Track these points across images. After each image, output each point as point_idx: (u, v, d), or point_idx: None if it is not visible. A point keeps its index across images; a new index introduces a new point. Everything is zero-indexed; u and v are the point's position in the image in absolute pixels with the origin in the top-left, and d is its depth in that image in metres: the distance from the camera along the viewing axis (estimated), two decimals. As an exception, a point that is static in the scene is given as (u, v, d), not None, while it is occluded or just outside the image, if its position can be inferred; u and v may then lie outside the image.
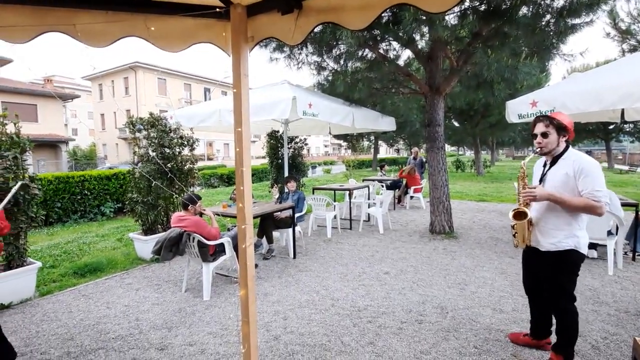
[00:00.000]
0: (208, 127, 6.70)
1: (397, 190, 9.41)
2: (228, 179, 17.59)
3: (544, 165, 2.39)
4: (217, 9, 1.90)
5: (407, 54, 6.83)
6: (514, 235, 2.41)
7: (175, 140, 5.38)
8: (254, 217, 4.18)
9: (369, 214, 7.28)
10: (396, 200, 9.33)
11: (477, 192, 12.09)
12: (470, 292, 3.70)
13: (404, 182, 9.37)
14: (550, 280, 2.31)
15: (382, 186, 9.18)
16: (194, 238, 3.61)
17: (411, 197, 9.26)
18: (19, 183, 2.59)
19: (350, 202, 7.22)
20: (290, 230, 5.07)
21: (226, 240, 3.86)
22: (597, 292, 3.62)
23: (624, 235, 4.28)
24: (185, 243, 3.64)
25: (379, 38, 5.60)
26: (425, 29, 5.48)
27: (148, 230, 5.23)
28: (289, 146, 8.23)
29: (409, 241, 5.81)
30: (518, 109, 4.55)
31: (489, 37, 5.03)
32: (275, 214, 5.09)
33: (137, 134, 5.33)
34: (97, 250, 5.62)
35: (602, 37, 10.92)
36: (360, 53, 5.98)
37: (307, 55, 6.37)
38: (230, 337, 2.89)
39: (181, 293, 3.84)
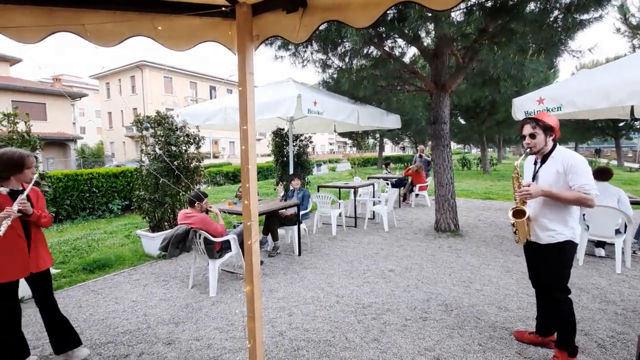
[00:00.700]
0: (214, 126, 6.75)
1: (402, 188, 9.39)
2: (233, 177, 17.69)
3: (535, 164, 2.52)
4: (223, 8, 1.92)
5: (412, 51, 6.79)
6: (514, 232, 2.51)
7: (182, 139, 5.43)
8: (260, 215, 4.22)
9: (374, 212, 7.28)
10: (401, 198, 9.31)
11: (483, 190, 12.01)
12: (475, 290, 3.70)
13: (410, 180, 9.35)
14: (549, 272, 2.41)
15: (387, 184, 9.17)
16: (200, 235, 3.66)
17: (416, 195, 9.23)
18: (37, 174, 2.65)
19: (355, 199, 7.23)
20: (296, 227, 5.10)
21: (232, 237, 3.90)
22: (604, 290, 3.59)
23: (632, 234, 4.24)
24: (191, 240, 3.69)
25: (384, 35, 5.58)
26: (431, 26, 5.45)
27: (155, 227, 5.30)
28: (294, 144, 8.25)
29: (414, 239, 5.80)
30: (525, 106, 4.50)
31: (495, 34, 4.98)
32: (280, 211, 5.12)
33: (144, 132, 5.39)
34: (106, 246, 5.70)
35: (612, 32, 10.73)
36: (365, 50, 5.97)
37: (312, 53, 6.37)
38: (236, 333, 2.93)
39: (188, 289, 3.89)
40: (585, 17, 4.77)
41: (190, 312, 3.33)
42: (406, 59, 6.49)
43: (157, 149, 5.31)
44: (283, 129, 8.39)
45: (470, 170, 22.30)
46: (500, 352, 2.56)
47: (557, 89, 4.29)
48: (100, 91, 37.41)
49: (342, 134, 24.12)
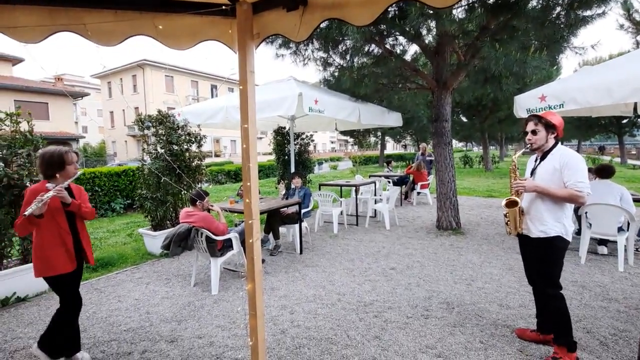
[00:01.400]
0: (215, 124, 6.75)
1: (403, 186, 9.38)
2: (235, 176, 17.72)
3: (536, 160, 2.57)
4: (223, 7, 1.92)
5: (413, 48, 6.78)
6: (506, 223, 2.59)
7: (183, 137, 5.45)
8: (261, 213, 4.23)
9: (375, 210, 7.28)
10: (403, 197, 9.30)
11: (485, 188, 11.99)
12: (477, 287, 3.70)
13: (411, 178, 9.34)
14: (539, 266, 2.46)
15: (389, 182, 9.16)
16: (202, 233, 3.67)
17: (418, 193, 9.22)
18: (80, 169, 2.70)
19: (356, 198, 7.23)
20: (297, 226, 5.11)
21: (234, 235, 3.92)
22: (606, 288, 3.58)
23: (635, 232, 4.22)
24: (193, 238, 3.70)
25: (385, 33, 5.57)
26: (432, 24, 5.43)
27: (157, 226, 5.32)
28: (295, 142, 8.25)
29: (416, 237, 5.80)
30: (527, 104, 4.49)
31: (497, 31, 4.96)
32: (281, 209, 5.13)
33: (146, 131, 5.41)
34: (108, 245, 5.73)
35: (615, 29, 10.66)
36: (366, 48, 5.95)
37: (313, 52, 6.36)
38: (238, 330, 2.94)
39: (190, 287, 3.91)
40: (588, 13, 4.74)
41: (193, 310, 3.34)
42: (407, 57, 6.48)
43: (158, 148, 5.32)
44: (284, 128, 8.39)
45: (472, 168, 22.25)
46: (502, 350, 2.57)
47: (559, 86, 4.27)
48: (101, 90, 37.50)
49: (344, 133, 24.10)
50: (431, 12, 4.67)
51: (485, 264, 4.40)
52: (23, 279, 3.71)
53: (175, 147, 5.34)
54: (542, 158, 2.48)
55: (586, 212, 4.24)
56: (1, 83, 20.66)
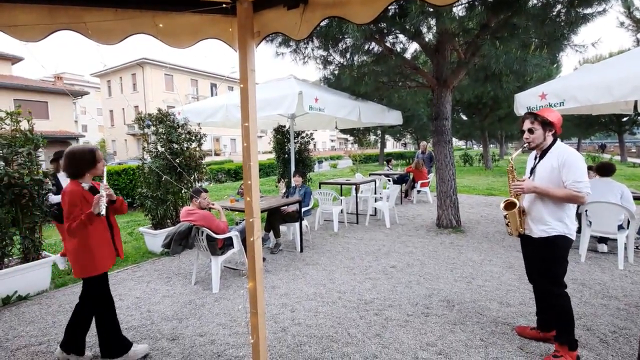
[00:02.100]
0: (215, 123, 6.75)
1: (404, 184, 9.38)
2: (235, 174, 17.72)
3: (535, 158, 2.54)
4: (224, 5, 1.92)
5: (414, 47, 6.76)
6: (507, 224, 2.56)
7: (183, 136, 5.45)
8: (262, 212, 4.23)
9: (375, 209, 7.29)
10: (403, 195, 9.31)
11: (485, 186, 12.00)
12: (477, 285, 3.71)
13: (411, 176, 9.34)
14: (541, 266, 2.43)
15: (389, 180, 9.16)
16: (202, 232, 3.68)
17: (418, 192, 9.23)
18: (106, 167, 2.72)
19: (356, 196, 7.23)
20: (297, 224, 5.11)
21: (234, 233, 3.92)
22: (606, 286, 3.59)
23: (635, 229, 4.22)
24: (194, 237, 3.70)
25: (385, 31, 5.56)
26: (433, 22, 5.42)
27: (158, 225, 5.32)
28: (296, 141, 8.24)
29: (416, 235, 5.81)
30: (527, 102, 4.49)
31: (497, 29, 4.95)
32: (282, 208, 5.13)
33: (146, 130, 5.40)
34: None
35: (615, 26, 10.64)
36: (366, 46, 5.94)
37: (313, 50, 6.35)
38: (239, 328, 2.95)
39: (191, 286, 3.92)
40: (588, 11, 4.73)
41: (194, 309, 3.35)
42: (407, 55, 6.47)
43: (158, 147, 5.32)
44: (284, 126, 8.39)
45: (472, 167, 22.26)
46: (502, 347, 2.57)
47: (559, 84, 4.27)
48: (101, 89, 37.45)
49: (344, 131, 24.09)
50: (431, 10, 4.66)
51: (486, 262, 4.41)
52: (24, 278, 3.72)
53: (176, 146, 5.34)
54: (541, 156, 2.45)
55: (586, 210, 4.24)
56: (1, 82, 20.63)
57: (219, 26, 2.16)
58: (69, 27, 1.89)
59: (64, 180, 4.24)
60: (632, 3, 10.31)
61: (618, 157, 25.26)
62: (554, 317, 2.43)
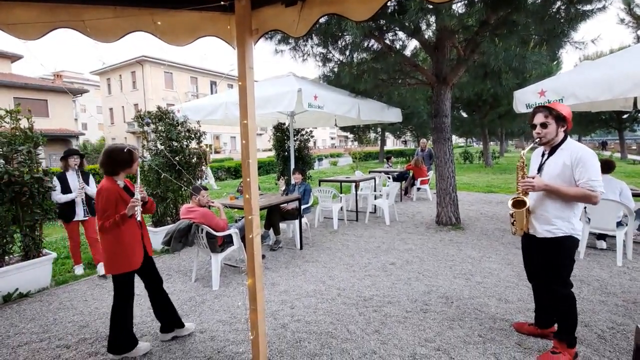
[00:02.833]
0: (215, 120, 6.75)
1: (403, 182, 9.39)
2: (235, 172, 17.72)
3: (542, 155, 2.43)
4: (222, 2, 1.92)
5: (413, 44, 6.74)
6: (512, 223, 2.48)
7: (183, 134, 5.45)
8: (261, 209, 4.24)
9: (375, 206, 7.30)
10: (403, 192, 9.32)
11: (485, 183, 12.00)
12: (476, 282, 3.72)
13: (411, 173, 9.35)
14: (546, 266, 2.37)
15: (389, 178, 9.17)
16: (202, 229, 3.69)
17: (418, 189, 9.24)
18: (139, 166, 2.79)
19: (356, 194, 7.24)
20: (297, 221, 5.12)
21: (234, 231, 3.93)
22: (605, 282, 3.61)
23: (633, 226, 4.23)
24: (194, 234, 3.72)
25: (384, 28, 5.55)
26: (432, 18, 5.41)
27: (158, 222, 5.34)
28: (295, 139, 8.24)
29: (415, 232, 5.82)
30: (526, 99, 4.49)
31: (497, 26, 4.94)
32: (282, 205, 5.14)
33: (146, 128, 5.41)
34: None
35: (615, 23, 10.61)
36: (365, 44, 5.93)
37: (312, 47, 6.34)
38: (238, 325, 2.97)
39: (191, 283, 3.94)
40: (588, 7, 4.72)
41: (194, 305, 3.37)
42: (407, 52, 6.45)
43: (158, 145, 5.33)
44: (284, 124, 8.39)
45: (472, 164, 22.26)
46: (500, 343, 2.59)
47: (558, 81, 4.27)
48: (101, 87, 37.40)
49: (344, 129, 24.07)
50: (430, 7, 4.65)
51: (485, 259, 4.42)
52: (25, 275, 3.74)
53: (175, 144, 5.35)
54: (551, 153, 2.33)
55: (585, 207, 4.25)
56: (0, 80, 20.59)
57: (218, 24, 2.16)
58: (67, 25, 1.89)
59: (73, 179, 4.23)
60: (633, 0, 10.28)
61: (618, 154, 25.24)
62: (558, 316, 2.38)
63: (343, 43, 6.12)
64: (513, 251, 4.67)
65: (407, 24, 4.87)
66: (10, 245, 3.81)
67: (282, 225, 5.37)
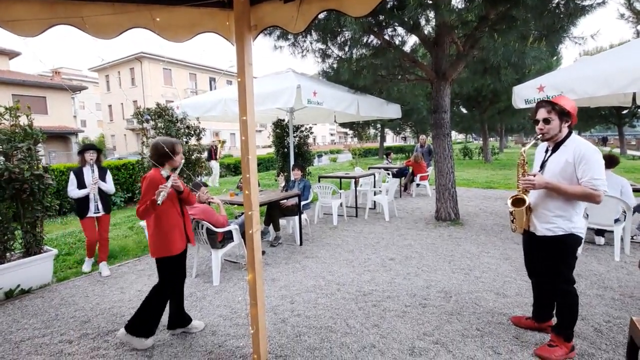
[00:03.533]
0: (214, 117, 6.75)
1: (403, 178, 9.41)
2: (235, 169, 17.72)
3: (546, 151, 2.38)
4: (221, -2, 1.92)
5: (412, 40, 6.74)
6: (512, 221, 2.46)
7: (182, 130, 5.46)
8: (261, 205, 4.26)
9: (374, 202, 7.32)
10: (402, 188, 9.34)
11: (485, 179, 12.02)
12: (475, 277, 3.75)
13: (410, 169, 9.36)
14: (548, 264, 2.36)
15: (388, 174, 9.19)
16: (202, 225, 3.71)
17: (417, 185, 9.26)
18: (183, 160, 2.86)
19: (356, 190, 7.26)
20: (297, 217, 5.14)
21: (234, 227, 3.95)
22: (602, 277, 3.63)
23: (631, 221, 4.24)
24: (194, 230, 3.74)
25: (384, 24, 5.54)
26: (431, 14, 5.40)
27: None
28: (295, 135, 8.25)
29: (415, 228, 5.85)
30: (525, 94, 4.49)
31: (496, 21, 4.93)
32: (281, 202, 5.16)
33: (145, 125, 5.41)
34: (110, 238, 5.75)
35: (615, 18, 10.57)
36: (365, 39, 5.92)
37: (311, 43, 6.33)
38: (239, 320, 3.00)
39: (192, 278, 3.96)
40: (587, 2, 4.71)
41: (195, 301, 3.40)
42: (406, 48, 6.45)
43: (158, 141, 5.33)
44: (283, 120, 8.39)
45: (472, 160, 22.26)
46: (498, 337, 2.62)
47: (557, 77, 4.27)
48: (100, 84, 37.25)
49: (343, 125, 24.00)
50: (430, 2, 4.64)
51: (483, 254, 4.45)
52: (26, 272, 3.76)
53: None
54: (554, 150, 2.27)
55: (584, 203, 4.26)
56: (-2, 77, 20.52)
57: (216, 20, 2.16)
58: (66, 22, 1.89)
59: (88, 174, 4.11)
60: (633, -6, 10.23)
61: (618, 150, 25.25)
62: (558, 311, 2.37)
63: (342, 39, 6.10)
64: (511, 246, 4.70)
65: (406, 20, 4.86)
66: (12, 242, 3.83)
67: (282, 222, 5.39)
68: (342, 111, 6.29)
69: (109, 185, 4.25)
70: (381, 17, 5.21)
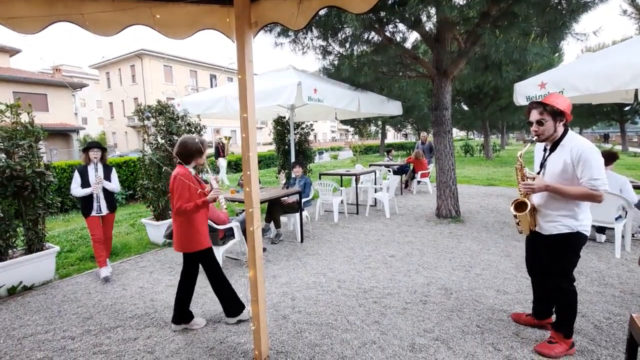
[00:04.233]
0: (215, 114, 6.75)
1: (404, 175, 9.40)
2: (236, 166, 17.73)
3: (544, 150, 2.37)
4: (221, -5, 1.92)
5: (414, 36, 6.70)
6: (517, 224, 2.45)
7: (183, 128, 5.45)
8: (262, 202, 4.27)
9: (375, 199, 7.32)
10: (403, 185, 9.33)
11: (486, 176, 12.00)
12: (475, 274, 3.76)
13: (411, 167, 9.35)
14: (552, 261, 2.35)
15: (389, 171, 9.18)
16: (203, 223, 3.71)
17: (418, 182, 9.25)
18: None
19: (357, 187, 7.26)
20: (298, 215, 5.15)
21: (235, 224, 3.96)
22: (602, 274, 3.64)
23: (633, 219, 4.23)
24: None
25: (385, 20, 5.51)
26: (432, 10, 5.36)
27: (159, 216, 5.37)
28: (296, 132, 8.24)
29: (415, 225, 5.85)
30: (526, 91, 4.48)
31: (498, 17, 4.90)
32: (282, 199, 5.16)
33: (146, 122, 5.41)
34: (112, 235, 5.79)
35: (618, 14, 10.49)
36: (366, 36, 5.89)
37: (312, 40, 6.30)
38: (241, 316, 3.01)
39: (193, 275, 3.97)
40: (590, -2, 4.67)
41: (196, 297, 3.41)
42: (407, 45, 6.41)
43: (159, 139, 5.33)
44: (284, 117, 8.38)
45: (473, 157, 22.22)
46: (498, 333, 2.63)
47: (559, 73, 4.26)
48: (100, 81, 37.20)
49: (344, 122, 23.97)
50: (431, -2, 4.61)
51: (484, 251, 4.45)
52: (29, 269, 3.78)
53: (176, 138, 5.34)
54: (552, 149, 2.27)
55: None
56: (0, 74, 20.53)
57: (216, 16, 2.16)
58: (66, 19, 1.89)
59: (92, 172, 3.99)
60: (636, -10, 10.15)
61: (620, 147, 25.17)
62: (558, 309, 2.38)
63: (343, 35, 6.08)
64: (512, 243, 4.70)
65: (407, 16, 4.83)
66: (14, 239, 3.85)
67: (283, 219, 5.40)
68: (342, 108, 6.28)
69: (114, 184, 4.14)
70: (382, 14, 5.19)
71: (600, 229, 4.66)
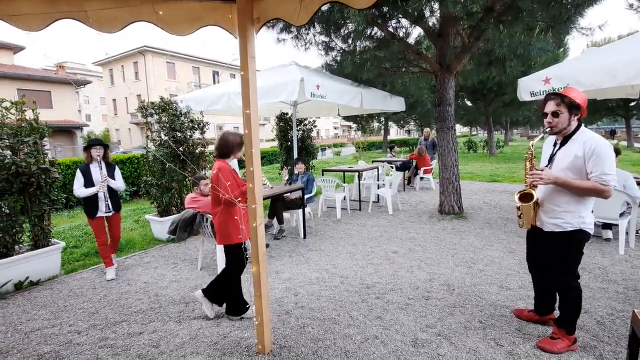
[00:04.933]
0: (218, 111, 6.76)
1: (407, 171, 9.38)
2: (239, 162, 17.76)
3: (555, 145, 2.33)
4: (223, -8, 1.92)
5: (417, 32, 6.67)
6: (519, 217, 2.42)
7: (186, 125, 5.47)
8: (265, 199, 4.28)
9: (378, 196, 7.32)
10: (406, 182, 9.32)
11: (489, 172, 11.95)
12: (478, 270, 3.76)
13: (414, 163, 9.33)
14: (555, 259, 2.34)
15: (392, 168, 9.17)
16: (207, 219, 3.74)
17: (421, 179, 9.24)
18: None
19: (359, 183, 7.26)
20: (301, 211, 5.17)
21: (238, 221, 3.98)
22: (606, 270, 3.63)
23: (637, 215, 4.21)
24: (199, 224, 3.77)
25: (388, 16, 5.47)
26: (436, 5, 5.32)
27: (163, 212, 5.41)
28: (298, 128, 8.24)
29: (418, 222, 5.85)
30: (530, 87, 4.44)
31: (502, 12, 4.86)
32: (285, 195, 5.18)
33: (149, 119, 5.43)
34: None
35: (624, 9, 10.33)
36: (369, 32, 5.86)
37: (315, 36, 6.28)
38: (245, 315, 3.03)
39: (197, 271, 4.01)
40: (595, -8, 4.62)
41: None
42: (411, 40, 6.37)
43: (162, 135, 5.36)
44: (287, 114, 8.37)
45: (477, 153, 22.11)
46: (500, 329, 2.63)
47: (563, 69, 4.21)
48: (104, 78, 37.34)
49: (347, 118, 23.95)
50: (435, -7, 4.57)
51: (487, 247, 4.45)
52: (35, 264, 3.83)
53: (179, 134, 5.37)
54: (563, 143, 2.22)
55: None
56: (4, 72, 20.63)
57: (219, 13, 2.16)
58: (70, 16, 1.90)
59: (96, 171, 3.84)
60: (643, -17, 9.99)
61: (625, 143, 24.94)
62: (562, 306, 2.36)
63: (346, 31, 6.05)
64: (515, 240, 4.69)
65: (410, 11, 4.80)
66: (20, 235, 3.90)
67: (286, 215, 5.42)
68: (345, 104, 6.27)
69: (119, 183, 4.01)
70: (385, 9, 5.16)
71: (607, 226, 4.63)
